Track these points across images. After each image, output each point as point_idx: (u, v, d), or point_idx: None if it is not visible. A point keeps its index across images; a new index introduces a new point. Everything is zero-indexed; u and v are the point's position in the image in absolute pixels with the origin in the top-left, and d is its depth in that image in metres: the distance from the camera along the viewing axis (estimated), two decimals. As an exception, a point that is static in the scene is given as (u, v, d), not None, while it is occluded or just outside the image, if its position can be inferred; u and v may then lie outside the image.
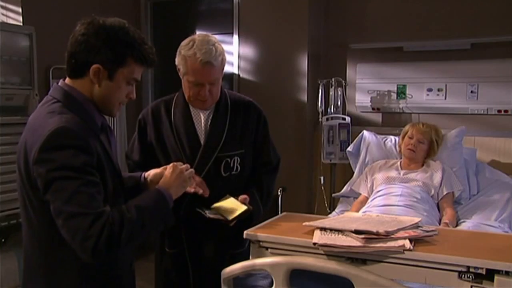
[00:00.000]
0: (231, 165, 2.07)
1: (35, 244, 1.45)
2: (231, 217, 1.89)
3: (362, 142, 3.33)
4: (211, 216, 1.91)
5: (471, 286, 1.47)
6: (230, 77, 3.98)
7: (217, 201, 1.97)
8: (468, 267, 1.47)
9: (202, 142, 2.05)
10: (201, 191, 1.90)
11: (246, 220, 1.96)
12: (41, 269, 1.45)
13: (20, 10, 3.39)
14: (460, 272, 1.49)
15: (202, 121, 2.08)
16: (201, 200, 1.95)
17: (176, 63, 2.01)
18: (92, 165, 1.36)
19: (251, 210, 1.95)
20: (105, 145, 1.49)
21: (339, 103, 3.64)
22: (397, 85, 3.59)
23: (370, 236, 1.60)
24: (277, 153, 2.24)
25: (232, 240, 2.09)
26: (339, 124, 3.58)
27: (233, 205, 1.94)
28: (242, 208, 1.92)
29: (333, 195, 3.51)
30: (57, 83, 1.49)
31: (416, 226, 1.76)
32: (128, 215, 1.36)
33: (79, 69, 1.44)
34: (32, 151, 1.35)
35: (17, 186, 1.47)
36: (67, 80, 1.48)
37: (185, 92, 2.05)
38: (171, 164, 1.65)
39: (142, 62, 1.47)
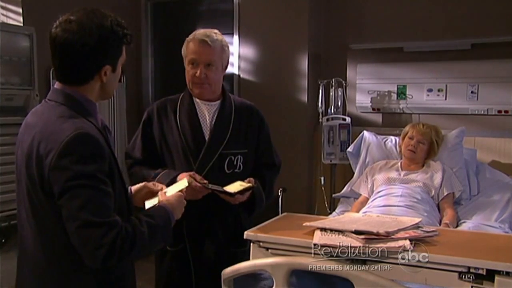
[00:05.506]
0: (235, 163, 2.09)
1: (47, 249, 1.43)
2: (233, 191, 1.92)
3: (362, 143, 3.32)
4: (214, 188, 1.93)
5: (472, 287, 1.48)
6: (230, 77, 3.97)
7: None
8: (469, 268, 1.48)
9: (206, 138, 2.08)
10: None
11: (248, 206, 2.04)
12: (54, 275, 1.44)
13: (20, 10, 3.39)
14: (460, 273, 1.49)
15: (207, 118, 2.11)
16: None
17: (182, 53, 2.10)
18: (105, 172, 1.38)
19: (254, 188, 2.00)
20: (110, 146, 1.49)
21: (339, 103, 3.64)
22: (397, 85, 3.58)
23: (370, 236, 1.61)
24: (279, 156, 2.28)
25: (233, 238, 2.10)
26: (340, 124, 3.58)
27: (238, 184, 1.98)
28: (245, 185, 1.96)
29: (333, 195, 3.51)
30: (55, 87, 1.48)
31: (416, 226, 1.76)
32: (141, 229, 1.39)
33: (87, 75, 1.44)
34: (48, 157, 1.34)
35: (24, 190, 1.45)
36: (63, 85, 1.46)
37: (186, 80, 2.10)
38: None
39: (130, 44, 1.52)
